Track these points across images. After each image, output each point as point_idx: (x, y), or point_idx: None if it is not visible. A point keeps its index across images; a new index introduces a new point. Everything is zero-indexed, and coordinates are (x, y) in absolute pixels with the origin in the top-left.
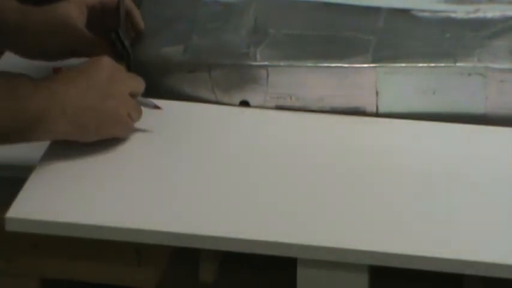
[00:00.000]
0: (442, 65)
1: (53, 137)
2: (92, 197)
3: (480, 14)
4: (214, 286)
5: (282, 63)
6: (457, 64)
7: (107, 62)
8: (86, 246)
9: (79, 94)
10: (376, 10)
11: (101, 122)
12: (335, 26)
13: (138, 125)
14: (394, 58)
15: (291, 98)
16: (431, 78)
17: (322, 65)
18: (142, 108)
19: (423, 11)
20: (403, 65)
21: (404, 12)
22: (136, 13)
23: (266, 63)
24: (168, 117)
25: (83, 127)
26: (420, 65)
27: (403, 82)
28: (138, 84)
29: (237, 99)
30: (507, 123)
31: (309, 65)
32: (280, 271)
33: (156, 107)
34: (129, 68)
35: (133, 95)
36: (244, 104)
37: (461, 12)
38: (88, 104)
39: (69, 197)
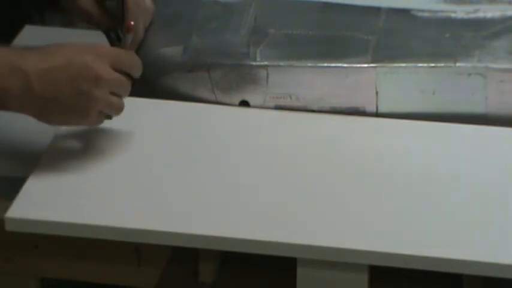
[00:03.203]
0: (442, 65)
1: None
2: (92, 197)
3: (480, 14)
4: (214, 286)
5: (282, 63)
6: (457, 64)
7: (94, 64)
8: (86, 246)
9: (55, 88)
10: (376, 10)
11: (67, 115)
12: (335, 26)
13: (138, 125)
14: (394, 58)
15: (291, 98)
16: (431, 78)
17: (322, 65)
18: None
19: (423, 11)
20: (403, 65)
21: (404, 12)
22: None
23: (266, 63)
24: (167, 117)
25: (48, 115)
26: (420, 65)
27: (403, 82)
28: (122, 88)
29: (237, 99)
30: (507, 123)
31: (309, 65)
32: (280, 271)
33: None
34: None
35: (116, 95)
36: (244, 104)
37: (461, 12)
38: (60, 99)
39: (69, 197)
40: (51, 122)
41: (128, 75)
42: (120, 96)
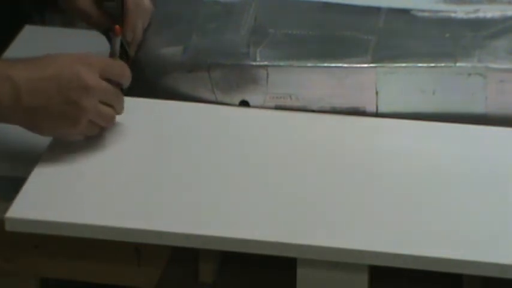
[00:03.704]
0: (442, 65)
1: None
2: (92, 197)
3: (480, 14)
4: (214, 286)
5: (282, 63)
6: (457, 64)
7: (83, 74)
8: (86, 246)
9: (44, 98)
10: (376, 10)
11: (56, 124)
12: (335, 26)
13: (138, 125)
14: (394, 58)
15: (291, 98)
16: (431, 78)
17: (322, 65)
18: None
19: (423, 11)
20: (403, 65)
21: (404, 12)
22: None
23: (266, 63)
24: (168, 117)
25: (38, 124)
26: (420, 65)
27: (403, 82)
28: (111, 97)
29: (237, 99)
30: (507, 123)
31: (309, 65)
32: (280, 271)
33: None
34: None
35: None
36: (244, 104)
37: (461, 12)
38: (49, 108)
39: (69, 197)
40: (42, 132)
41: (118, 84)
42: (111, 106)
